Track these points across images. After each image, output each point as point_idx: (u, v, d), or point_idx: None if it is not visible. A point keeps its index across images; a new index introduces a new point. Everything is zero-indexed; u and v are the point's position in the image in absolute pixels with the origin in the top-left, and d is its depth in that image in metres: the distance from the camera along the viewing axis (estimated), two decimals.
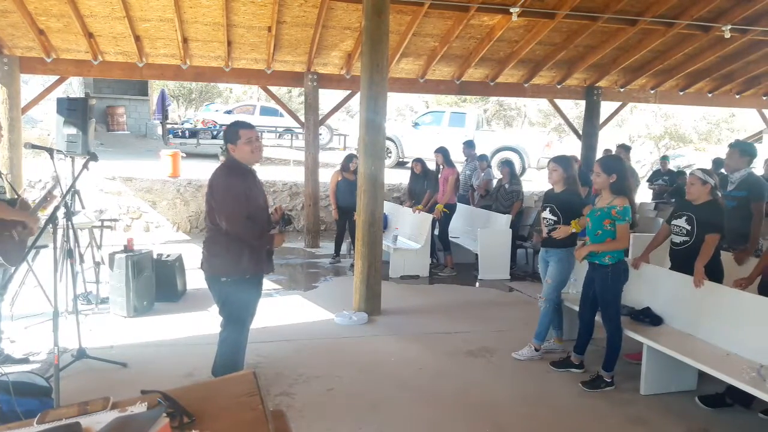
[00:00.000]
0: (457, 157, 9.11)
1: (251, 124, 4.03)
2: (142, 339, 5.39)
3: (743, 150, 5.64)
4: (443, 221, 8.40)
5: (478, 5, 8.19)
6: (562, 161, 5.20)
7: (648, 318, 4.86)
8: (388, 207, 9.26)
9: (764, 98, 12.51)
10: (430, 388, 4.58)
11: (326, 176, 10.33)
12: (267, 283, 7.08)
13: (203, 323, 5.67)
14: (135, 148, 16.11)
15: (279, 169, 13.64)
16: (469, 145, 10.06)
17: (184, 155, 12.58)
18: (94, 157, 4.15)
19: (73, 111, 6.60)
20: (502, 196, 8.91)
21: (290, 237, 10.75)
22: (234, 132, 3.84)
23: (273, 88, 10.91)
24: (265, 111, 19.44)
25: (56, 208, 3.98)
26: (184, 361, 4.84)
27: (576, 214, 4.93)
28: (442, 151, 8.66)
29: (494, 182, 9.88)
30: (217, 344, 4.07)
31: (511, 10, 8.12)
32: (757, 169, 9.41)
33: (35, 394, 3.39)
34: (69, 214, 5.43)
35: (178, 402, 1.42)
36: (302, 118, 10.19)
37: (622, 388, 4.64)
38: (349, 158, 8.66)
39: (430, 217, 8.29)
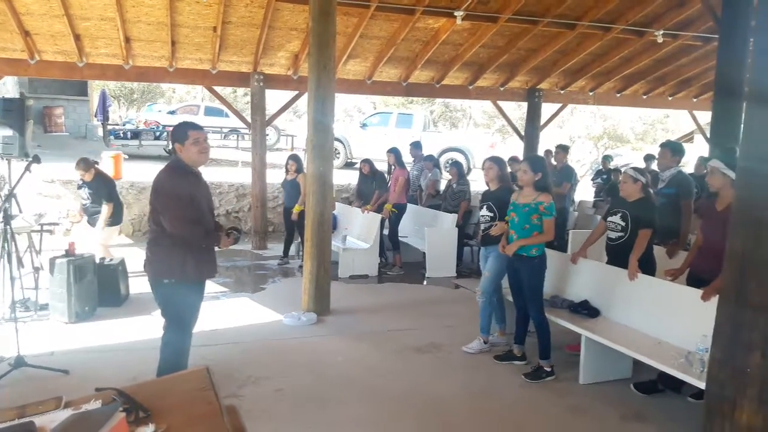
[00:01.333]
0: (405, 158, 9.24)
1: (200, 125, 4.01)
2: (84, 345, 5.27)
3: (674, 149, 5.97)
4: (393, 221, 8.51)
5: (423, 8, 8.34)
6: (496, 160, 5.49)
7: (586, 310, 5.08)
8: (338, 207, 9.32)
9: (694, 100, 13.16)
10: (379, 386, 4.65)
11: (273, 177, 10.29)
12: (214, 286, 7.07)
13: (147, 328, 5.56)
14: (75, 149, 15.52)
15: (225, 170, 13.47)
16: (416, 146, 10.19)
17: (126, 157, 12.28)
18: (36, 159, 4.06)
19: (9, 112, 6.36)
20: (451, 196, 9.07)
21: None
22: (182, 132, 3.81)
23: (218, 88, 10.77)
24: (210, 111, 19.11)
25: None
26: (127, 366, 4.74)
27: None
28: (395, 152, 8.77)
29: (441, 182, 10.05)
30: (159, 348, 4.01)
31: (456, 13, 8.31)
32: (689, 167, 9.91)
33: None
34: (7, 218, 5.26)
35: (133, 398, 1.44)
36: (248, 119, 10.11)
37: (563, 378, 4.84)
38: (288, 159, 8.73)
39: (378, 217, 8.38)
